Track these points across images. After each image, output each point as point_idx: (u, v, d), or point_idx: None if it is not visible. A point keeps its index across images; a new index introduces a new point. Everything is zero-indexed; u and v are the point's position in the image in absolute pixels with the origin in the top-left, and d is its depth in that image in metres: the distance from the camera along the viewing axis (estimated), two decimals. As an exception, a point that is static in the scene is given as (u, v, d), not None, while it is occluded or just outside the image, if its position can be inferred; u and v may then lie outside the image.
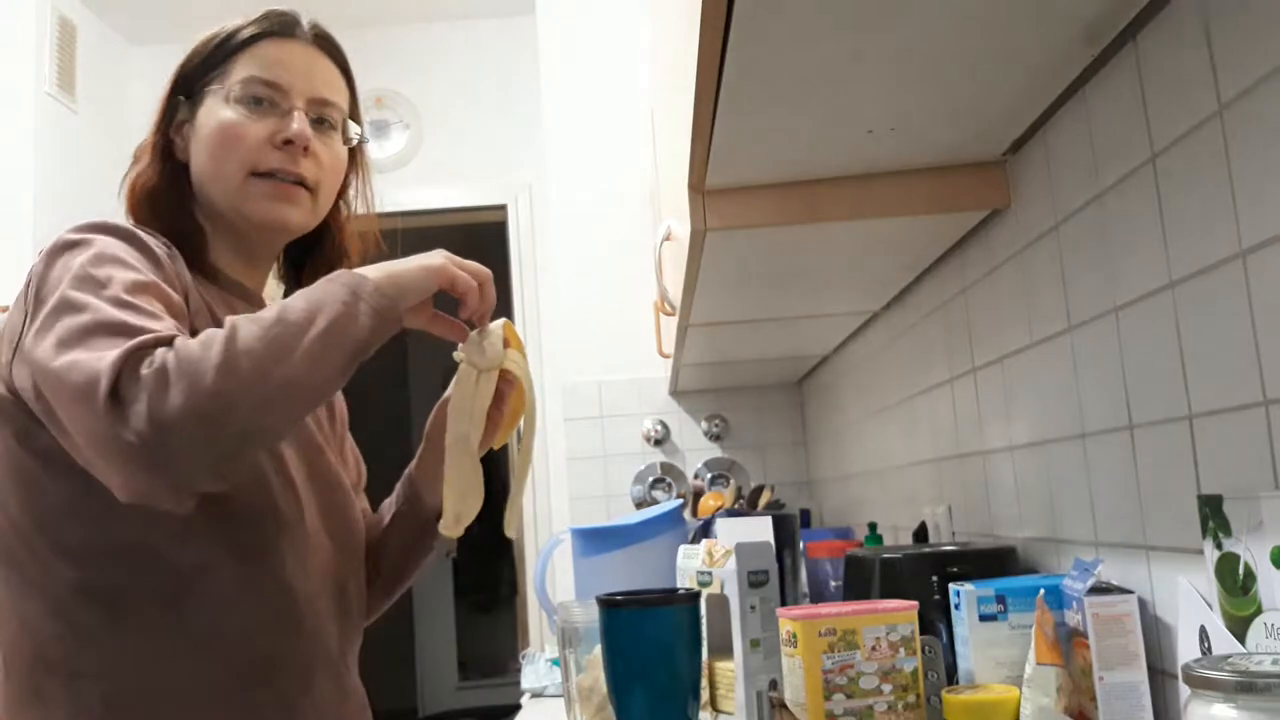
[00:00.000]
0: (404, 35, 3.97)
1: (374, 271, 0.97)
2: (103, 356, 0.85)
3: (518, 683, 2.07)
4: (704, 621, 1.27)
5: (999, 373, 1.43)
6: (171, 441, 0.83)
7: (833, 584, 1.90)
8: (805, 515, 2.70)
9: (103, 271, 0.94)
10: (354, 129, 1.17)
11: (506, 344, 1.06)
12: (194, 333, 0.92)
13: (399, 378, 6.42)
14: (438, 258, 1.01)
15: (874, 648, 1.11)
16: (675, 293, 1.81)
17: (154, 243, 1.03)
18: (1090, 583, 1.01)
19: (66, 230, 1.01)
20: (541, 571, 2.12)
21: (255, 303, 1.15)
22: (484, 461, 1.07)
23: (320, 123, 1.12)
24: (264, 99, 1.09)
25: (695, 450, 2.96)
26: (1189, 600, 0.92)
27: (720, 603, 1.33)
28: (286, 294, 1.18)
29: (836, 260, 1.61)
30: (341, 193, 1.20)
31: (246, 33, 1.11)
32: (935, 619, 1.23)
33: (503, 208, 3.91)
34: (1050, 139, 1.20)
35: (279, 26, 1.12)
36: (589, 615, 1.36)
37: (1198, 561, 0.91)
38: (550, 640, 2.09)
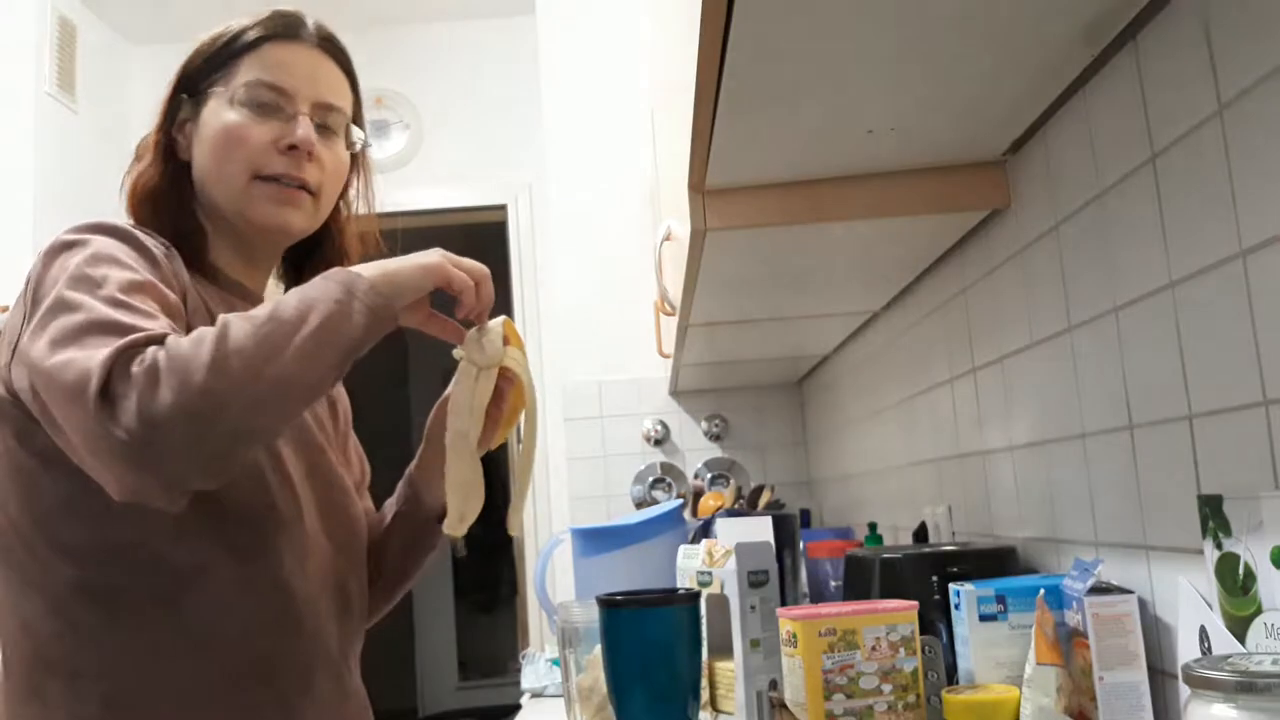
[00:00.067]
0: (404, 35, 3.96)
1: (369, 270, 0.96)
2: (94, 355, 0.85)
3: (518, 683, 2.07)
4: (704, 621, 1.27)
5: (999, 373, 1.43)
6: (161, 439, 0.83)
7: (833, 584, 1.90)
8: (805, 515, 2.70)
9: (99, 271, 0.94)
10: (357, 134, 1.17)
11: (506, 341, 1.06)
12: (191, 332, 0.92)
13: (399, 377, 6.42)
14: (434, 256, 1.00)
15: (874, 648, 1.11)
16: (675, 293, 1.81)
17: (151, 243, 1.03)
18: (1090, 583, 1.01)
19: (64, 231, 1.01)
20: (541, 571, 2.12)
21: (255, 303, 1.15)
22: (484, 460, 1.07)
23: (324, 128, 1.12)
24: (269, 102, 1.09)
25: (695, 450, 2.96)
26: (1189, 600, 0.92)
27: (720, 603, 1.33)
28: None
29: (836, 260, 1.61)
30: (342, 194, 1.20)
31: (252, 34, 1.11)
32: (935, 619, 1.23)
33: (503, 208, 3.90)
34: (1050, 139, 1.20)
35: (284, 29, 1.12)
36: (589, 615, 1.36)
37: (1198, 561, 0.91)
38: (550, 640, 2.09)
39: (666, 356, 2.48)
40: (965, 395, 1.58)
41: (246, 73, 1.09)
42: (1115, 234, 1.06)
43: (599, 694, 1.33)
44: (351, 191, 1.22)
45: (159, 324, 0.91)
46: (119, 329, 0.88)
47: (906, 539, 1.87)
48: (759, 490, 2.25)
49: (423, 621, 6.40)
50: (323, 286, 0.93)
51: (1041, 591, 1.06)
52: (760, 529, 1.69)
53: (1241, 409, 0.86)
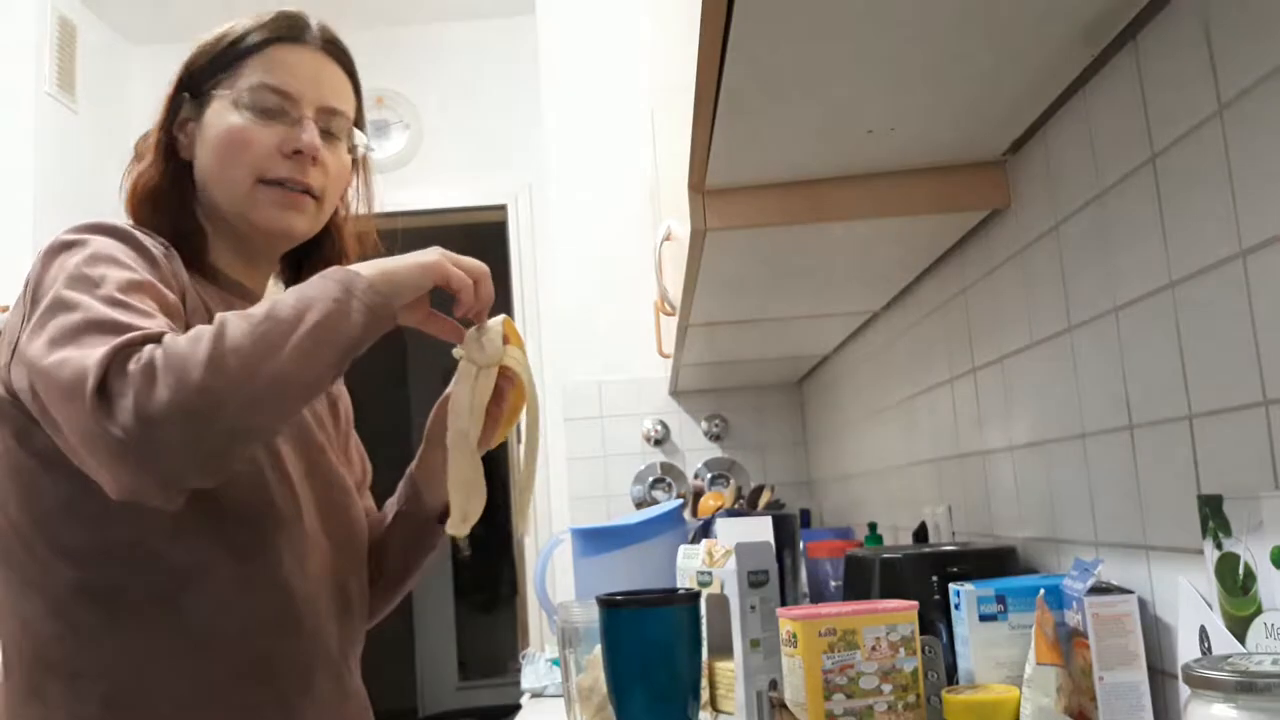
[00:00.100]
0: (404, 35, 3.96)
1: (368, 268, 0.96)
2: (91, 353, 0.85)
3: (518, 683, 2.07)
4: (704, 621, 1.27)
5: (999, 373, 1.43)
6: (158, 437, 0.83)
7: (833, 584, 1.90)
8: (805, 515, 2.70)
9: (97, 271, 0.94)
10: (360, 137, 1.17)
11: (506, 340, 1.06)
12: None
13: (398, 377, 6.42)
14: (433, 254, 1.00)
15: (874, 648, 1.11)
16: (675, 293, 1.81)
17: (151, 243, 1.03)
18: (1090, 583, 1.01)
19: (63, 231, 1.01)
20: (541, 571, 2.12)
21: (254, 302, 1.15)
22: (484, 460, 1.07)
23: (327, 132, 1.12)
24: (273, 106, 1.09)
25: (695, 450, 2.96)
26: (1189, 600, 0.92)
27: (720, 603, 1.33)
28: None
29: (836, 260, 1.61)
30: (341, 195, 1.20)
31: (257, 36, 1.10)
32: (935, 619, 1.23)
33: (503, 208, 3.90)
34: (1050, 139, 1.20)
35: (289, 31, 1.12)
36: (589, 615, 1.36)
37: (1198, 561, 0.91)
38: (550, 640, 2.09)
39: (666, 356, 2.48)
40: (965, 395, 1.58)
41: (251, 75, 1.09)
42: (1115, 234, 1.06)
43: (599, 694, 1.33)
44: (350, 192, 1.22)
45: (157, 323, 0.91)
46: (116, 328, 0.88)
47: (906, 539, 1.87)
48: (759, 490, 2.25)
49: (423, 621, 6.40)
50: (321, 285, 0.93)
51: (1041, 591, 1.06)
52: (760, 529, 1.69)
53: (1241, 409, 0.86)
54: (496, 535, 4.88)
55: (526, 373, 1.07)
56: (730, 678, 1.31)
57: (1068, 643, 1.04)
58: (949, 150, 1.28)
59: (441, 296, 1.02)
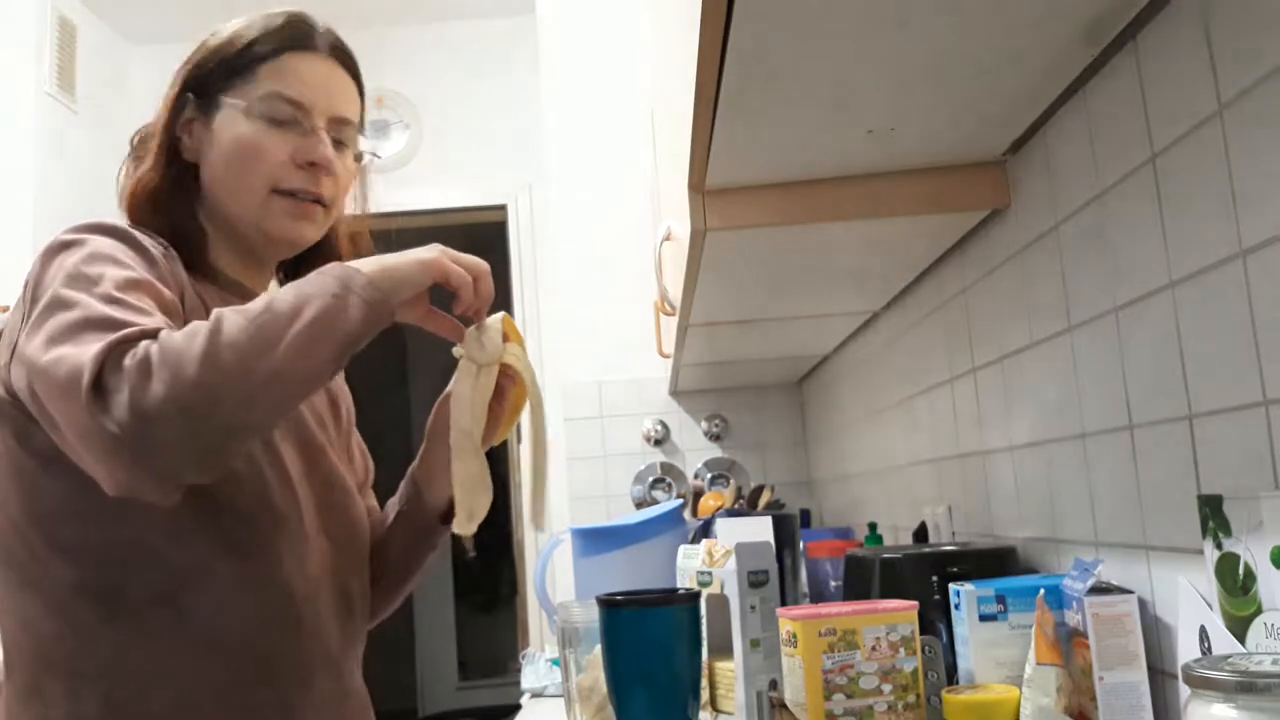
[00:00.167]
0: (404, 35, 3.97)
1: (367, 265, 0.96)
2: (88, 350, 0.85)
3: (518, 683, 2.07)
4: (704, 621, 1.27)
5: (999, 373, 1.43)
6: (153, 432, 0.83)
7: (833, 584, 1.90)
8: (805, 515, 2.70)
9: (95, 269, 0.94)
10: (365, 144, 1.17)
11: (506, 338, 1.06)
12: None
13: (399, 376, 6.42)
14: (432, 251, 1.00)
15: (874, 648, 1.11)
16: (675, 293, 1.81)
17: (149, 242, 1.03)
18: (1090, 583, 1.01)
19: (62, 231, 1.01)
20: (541, 571, 2.12)
21: (254, 302, 1.15)
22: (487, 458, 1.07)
23: (338, 141, 1.13)
24: (286, 117, 1.09)
25: (695, 450, 2.96)
26: (1189, 600, 0.92)
27: (720, 603, 1.33)
28: None
29: (836, 260, 1.61)
30: None
31: (269, 43, 1.10)
32: (935, 619, 1.23)
33: (503, 208, 3.91)
34: (1050, 139, 1.20)
35: (301, 39, 1.12)
36: (589, 615, 1.36)
37: (1198, 561, 0.91)
38: (550, 640, 2.09)
39: (666, 356, 2.48)
40: (965, 395, 1.58)
41: (264, 84, 1.09)
42: (1115, 234, 1.06)
43: (599, 694, 1.33)
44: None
45: (154, 320, 0.91)
46: (113, 325, 0.88)
47: (906, 539, 1.87)
48: (759, 490, 2.25)
49: (423, 621, 6.40)
50: (319, 281, 0.93)
51: (1041, 591, 1.06)
52: (760, 529, 1.69)
53: (1241, 409, 0.86)
54: (496, 535, 4.88)
55: (528, 369, 1.07)
56: (730, 678, 1.31)
57: (1068, 643, 1.04)
58: (949, 150, 1.28)
59: (441, 294, 1.01)
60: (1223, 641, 0.86)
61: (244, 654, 1.01)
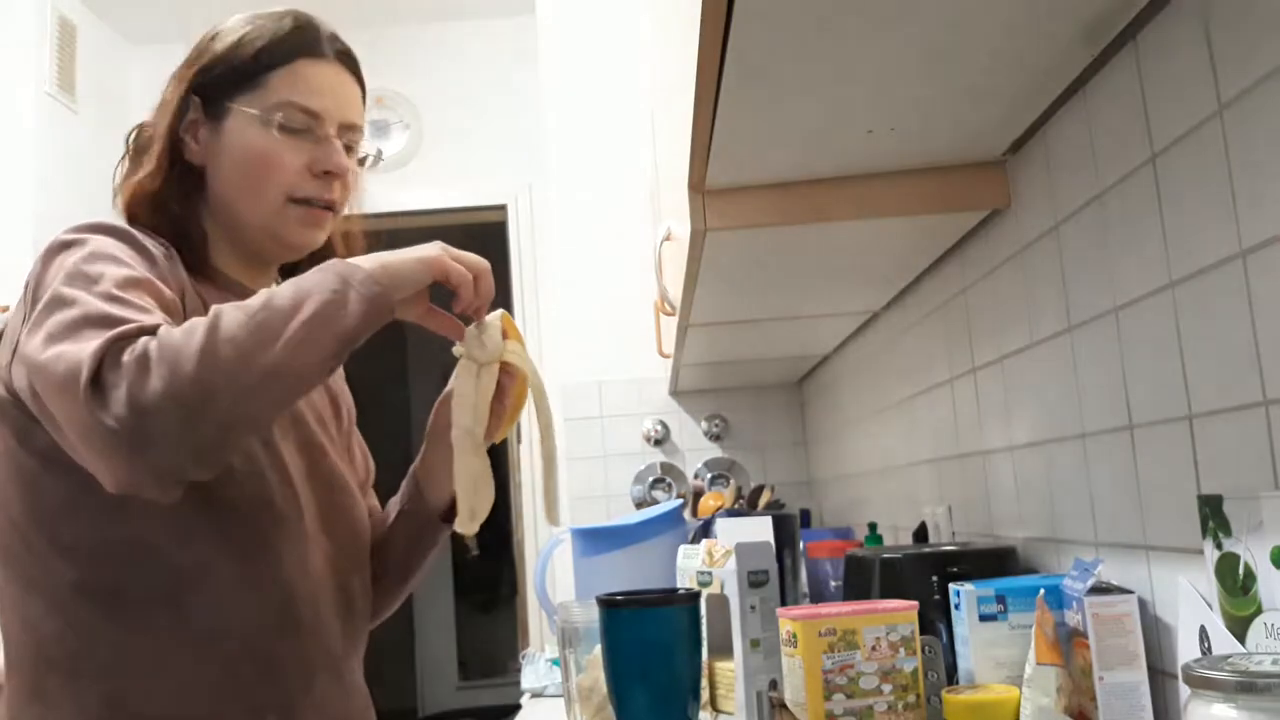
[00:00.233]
0: (404, 35, 3.97)
1: (367, 261, 0.96)
2: (86, 346, 0.85)
3: (518, 683, 2.07)
4: (704, 621, 1.27)
5: (999, 373, 1.43)
6: (151, 427, 0.83)
7: (833, 584, 1.90)
8: (805, 515, 2.70)
9: (95, 268, 0.94)
10: (367, 147, 1.18)
11: (505, 335, 1.06)
12: None
13: (399, 377, 6.42)
14: (433, 249, 1.00)
15: (874, 648, 1.11)
16: (675, 293, 1.81)
17: (150, 243, 1.03)
18: (1090, 583, 1.01)
19: (62, 231, 1.01)
20: (541, 571, 2.12)
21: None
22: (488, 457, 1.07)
23: (347, 147, 1.14)
24: (301, 126, 1.09)
25: (695, 450, 2.96)
26: (1189, 600, 0.92)
27: (720, 603, 1.33)
28: None
29: (836, 260, 1.61)
30: None
31: (281, 50, 1.10)
32: (935, 619, 1.23)
33: (503, 208, 3.91)
34: (1050, 139, 1.20)
35: (311, 44, 1.12)
36: (589, 615, 1.36)
37: (1198, 561, 0.91)
38: (550, 640, 2.09)
39: (666, 356, 2.48)
40: (965, 395, 1.58)
41: (279, 92, 1.09)
42: (1115, 234, 1.06)
43: (599, 694, 1.33)
44: None
45: (154, 317, 0.91)
46: (112, 322, 0.88)
47: (906, 539, 1.87)
48: (759, 490, 2.25)
49: (423, 621, 6.40)
50: (318, 277, 0.93)
51: (1041, 591, 1.06)
52: (760, 529, 1.69)
53: (1241, 409, 0.86)
54: (496, 535, 4.88)
55: (529, 366, 1.07)
56: (730, 678, 1.31)
57: (1068, 643, 1.04)
58: (949, 150, 1.28)
59: (441, 292, 1.02)
60: (1223, 641, 0.86)
61: (245, 653, 1.02)
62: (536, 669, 2.03)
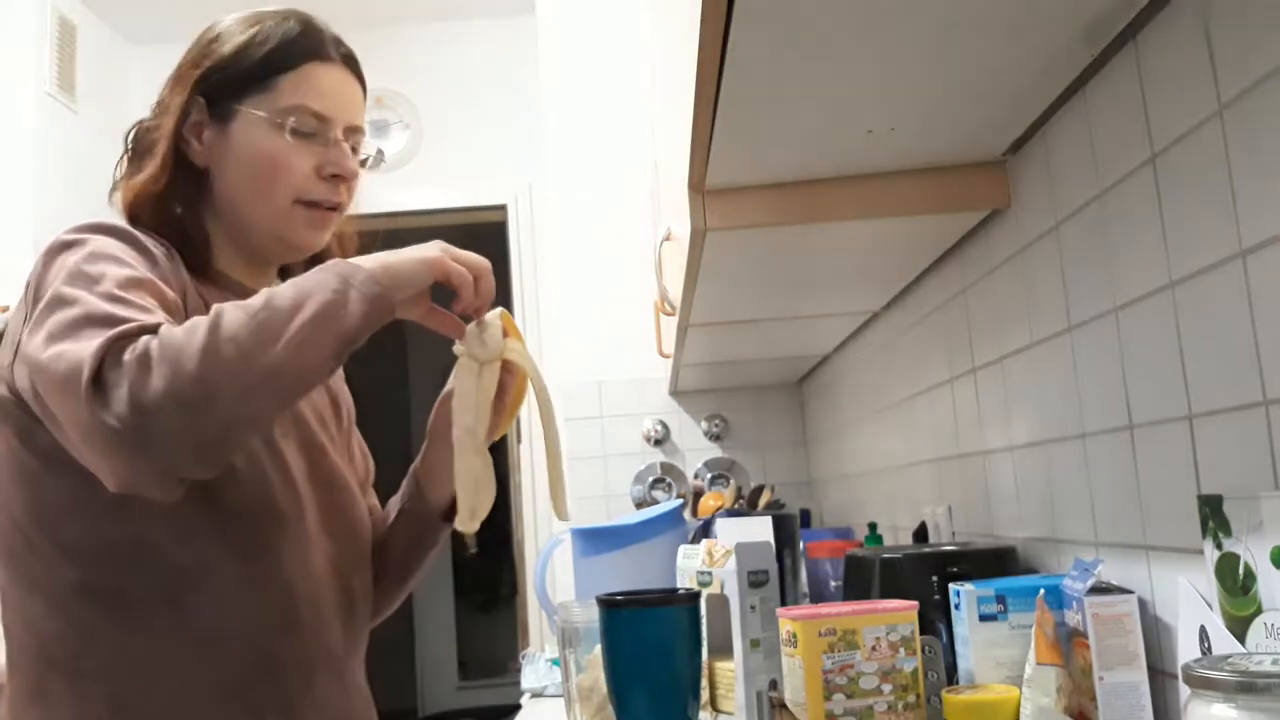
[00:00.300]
0: (404, 35, 3.96)
1: (368, 261, 0.96)
2: (87, 346, 0.86)
3: (518, 683, 2.07)
4: (704, 621, 1.27)
5: (999, 373, 1.43)
6: (152, 426, 0.83)
7: (833, 584, 1.90)
8: (805, 515, 2.70)
9: (96, 268, 0.94)
10: (368, 148, 1.18)
11: (505, 334, 1.06)
12: None
13: (399, 377, 6.42)
14: (434, 249, 1.00)
15: (874, 648, 1.11)
16: (675, 293, 1.81)
17: (151, 243, 1.03)
18: (1090, 583, 1.01)
19: (63, 231, 1.01)
20: (541, 571, 2.12)
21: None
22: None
23: (353, 149, 1.14)
24: (310, 130, 1.10)
25: (695, 450, 2.96)
26: (1189, 600, 0.92)
27: (720, 603, 1.33)
28: None
29: (836, 260, 1.61)
30: None
31: (288, 53, 1.10)
32: (935, 619, 1.23)
33: (503, 208, 3.91)
34: (1050, 139, 1.20)
35: (318, 47, 1.12)
36: (589, 615, 1.36)
37: (1198, 561, 0.91)
38: (550, 640, 2.09)
39: (666, 356, 2.48)
40: (965, 395, 1.58)
41: (288, 95, 1.09)
42: (1115, 234, 1.06)
43: (599, 694, 1.33)
44: None
45: (155, 317, 0.91)
46: (113, 322, 0.88)
47: (906, 539, 1.87)
48: (759, 490, 2.25)
49: (423, 621, 6.40)
50: (319, 277, 0.93)
51: (1041, 591, 1.06)
52: (760, 529, 1.69)
53: (1241, 409, 0.86)
54: (496, 535, 4.88)
55: (530, 364, 1.08)
56: (730, 678, 1.31)
57: (1068, 643, 1.04)
58: (949, 150, 1.28)
59: (443, 290, 1.02)
60: (1223, 641, 0.86)
61: (246, 653, 1.02)
62: (536, 669, 2.03)
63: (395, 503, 1.25)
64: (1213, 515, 0.87)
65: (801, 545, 1.92)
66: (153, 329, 0.88)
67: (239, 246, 1.13)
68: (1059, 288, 1.20)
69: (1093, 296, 1.12)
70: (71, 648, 0.98)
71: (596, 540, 1.94)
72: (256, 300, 0.91)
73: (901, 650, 1.12)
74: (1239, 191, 0.85)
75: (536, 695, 1.99)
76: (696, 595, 1.16)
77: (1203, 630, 0.90)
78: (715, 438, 2.96)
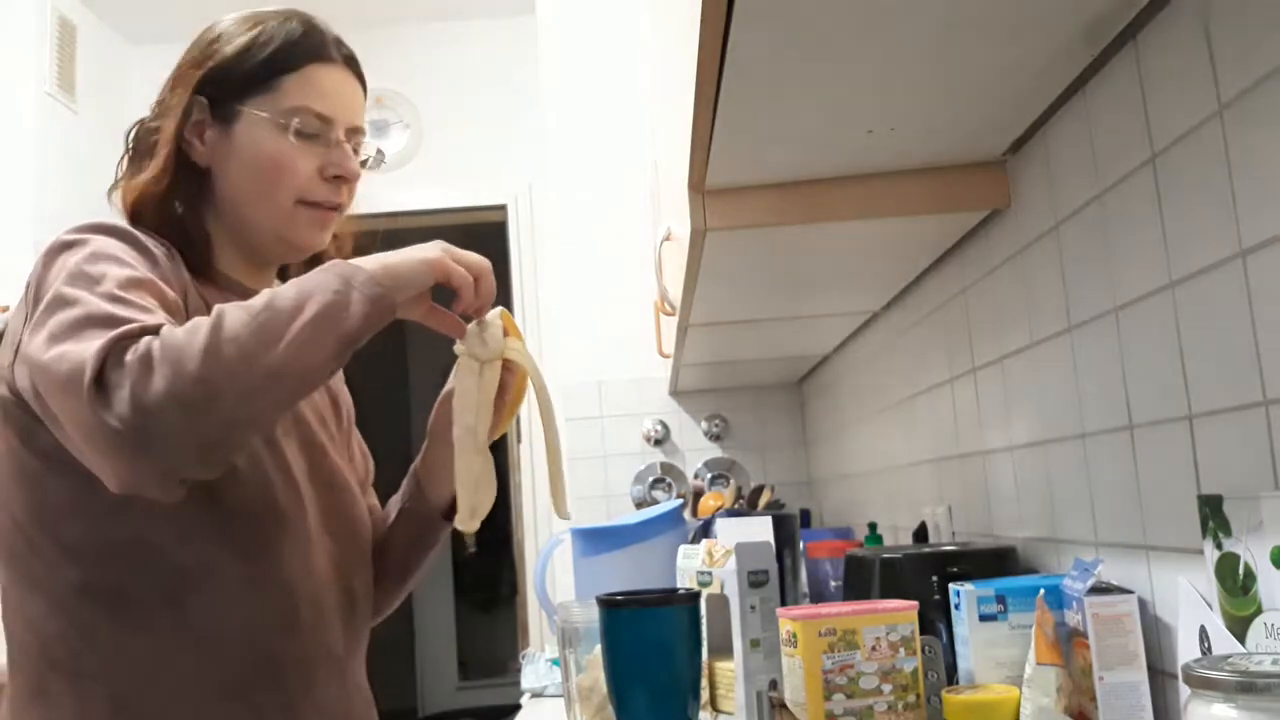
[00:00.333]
0: (404, 35, 3.96)
1: (369, 262, 0.97)
2: (89, 346, 0.86)
3: (518, 683, 2.07)
4: (704, 621, 1.27)
5: (999, 373, 1.43)
6: (154, 426, 0.84)
7: (833, 584, 1.90)
8: (805, 515, 2.70)
9: (97, 269, 0.94)
10: (369, 149, 1.18)
11: (505, 333, 1.06)
12: None
13: (399, 377, 6.42)
14: (435, 250, 1.00)
15: (874, 648, 1.11)
16: (675, 293, 1.81)
17: (152, 243, 1.03)
18: (1090, 583, 1.01)
19: (64, 231, 1.01)
20: (541, 571, 2.12)
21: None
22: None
23: (355, 150, 1.14)
24: (314, 131, 1.10)
25: (695, 450, 2.96)
26: (1189, 600, 0.92)
27: (720, 603, 1.33)
28: None
29: (836, 260, 1.61)
30: None
31: (292, 54, 1.10)
32: (935, 619, 1.23)
33: (503, 208, 3.91)
34: (1050, 139, 1.20)
35: (320, 49, 1.12)
36: (589, 615, 1.36)
37: (1198, 561, 0.91)
38: (550, 640, 2.09)
39: (666, 356, 2.48)
40: (965, 395, 1.58)
41: (292, 97, 1.09)
42: (1115, 234, 1.06)
43: (599, 694, 1.33)
44: None
45: (156, 317, 0.91)
46: (115, 322, 0.88)
47: (906, 539, 1.87)
48: (759, 490, 2.25)
49: (423, 621, 6.40)
50: (320, 277, 0.93)
51: (1041, 591, 1.06)
52: (760, 529, 1.69)
53: (1241, 409, 0.86)
54: (496, 535, 4.88)
55: (530, 362, 1.08)
56: (730, 678, 1.31)
57: (1068, 643, 1.04)
58: (949, 150, 1.28)
59: (443, 289, 1.02)
60: (1223, 641, 0.86)
61: (247, 653, 1.02)
62: (536, 669, 2.03)
63: (395, 502, 1.25)
64: (1213, 515, 0.87)
65: (801, 545, 1.92)
66: (154, 330, 0.88)
67: (239, 246, 1.13)
68: (1059, 288, 1.20)
69: (1093, 296, 1.12)
70: (73, 648, 0.98)
71: (596, 540, 1.94)
72: (258, 301, 0.91)
73: (901, 650, 1.12)
74: (1239, 191, 0.85)
75: (536, 695, 1.99)
76: (696, 595, 1.16)
77: (1203, 630, 0.90)
78: (715, 438, 2.96)
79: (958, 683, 1.16)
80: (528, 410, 3.38)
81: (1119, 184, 1.04)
